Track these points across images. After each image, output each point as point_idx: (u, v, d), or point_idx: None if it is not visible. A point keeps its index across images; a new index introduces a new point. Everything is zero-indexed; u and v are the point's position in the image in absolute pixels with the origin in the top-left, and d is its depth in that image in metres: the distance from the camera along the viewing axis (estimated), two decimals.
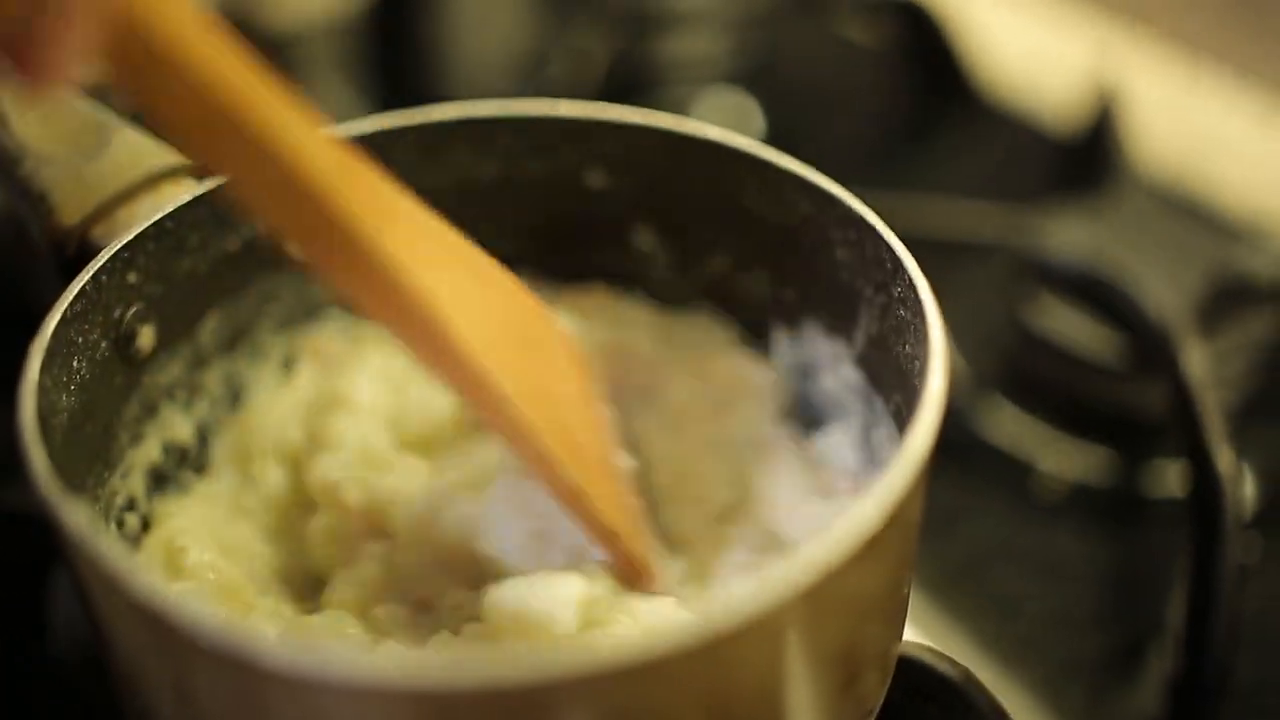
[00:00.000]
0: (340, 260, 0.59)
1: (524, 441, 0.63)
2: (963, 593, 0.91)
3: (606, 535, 0.65)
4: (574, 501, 0.64)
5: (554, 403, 0.65)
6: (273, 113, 0.56)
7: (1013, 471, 0.99)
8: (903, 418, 0.66)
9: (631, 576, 0.66)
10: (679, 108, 1.31)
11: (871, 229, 0.66)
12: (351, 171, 0.59)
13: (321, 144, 0.58)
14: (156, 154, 0.71)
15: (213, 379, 0.76)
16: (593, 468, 0.66)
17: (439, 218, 0.64)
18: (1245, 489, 0.92)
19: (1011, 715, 0.68)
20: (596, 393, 0.71)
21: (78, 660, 0.82)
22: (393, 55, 1.47)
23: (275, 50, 1.34)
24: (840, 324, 0.73)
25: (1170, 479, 0.97)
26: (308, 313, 0.80)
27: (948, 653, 0.69)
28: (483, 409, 0.63)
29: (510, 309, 0.66)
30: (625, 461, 0.71)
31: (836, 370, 0.75)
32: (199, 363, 0.75)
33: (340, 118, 1.33)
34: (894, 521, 0.54)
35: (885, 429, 0.70)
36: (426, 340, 0.60)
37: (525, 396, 0.62)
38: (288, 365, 0.79)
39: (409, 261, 0.59)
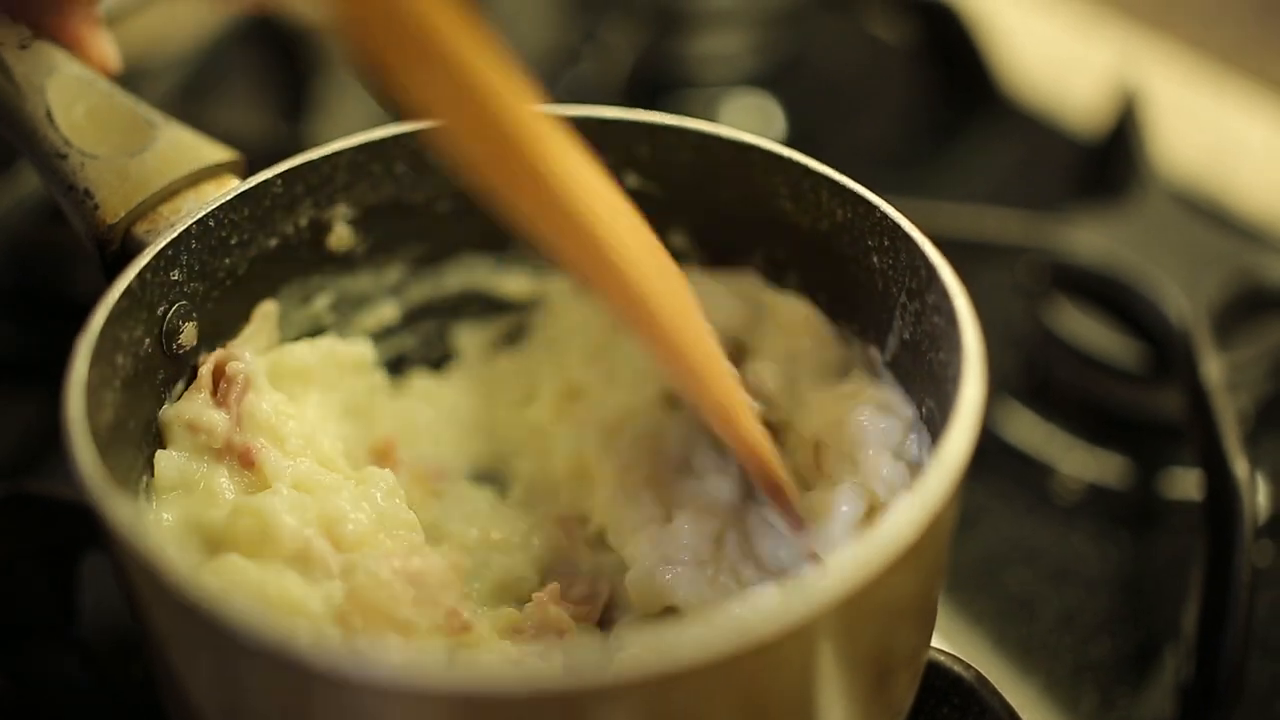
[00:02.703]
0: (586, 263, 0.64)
1: (680, 359, 0.67)
2: (977, 594, 0.91)
3: (753, 454, 0.69)
4: (726, 418, 0.68)
5: (698, 329, 0.68)
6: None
7: (1029, 474, 1.00)
8: (934, 423, 0.67)
9: (778, 496, 0.70)
10: (703, 109, 1.31)
11: (907, 236, 0.67)
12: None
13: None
14: (200, 152, 0.72)
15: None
16: (734, 393, 0.69)
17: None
18: (1259, 495, 0.92)
19: (1024, 717, 0.68)
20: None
21: (106, 644, 0.83)
22: None
23: (303, 45, 1.35)
24: (872, 329, 0.74)
25: (1186, 484, 0.98)
26: (346, 311, 0.81)
27: (961, 653, 0.70)
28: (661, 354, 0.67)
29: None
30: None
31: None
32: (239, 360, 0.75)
33: (364, 113, 1.35)
34: (930, 529, 0.55)
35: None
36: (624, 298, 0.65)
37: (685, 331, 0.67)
38: None
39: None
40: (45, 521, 0.79)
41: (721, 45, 1.39)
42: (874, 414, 0.72)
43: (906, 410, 0.72)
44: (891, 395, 0.73)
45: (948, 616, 0.89)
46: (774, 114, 1.35)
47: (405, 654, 0.59)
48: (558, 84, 1.29)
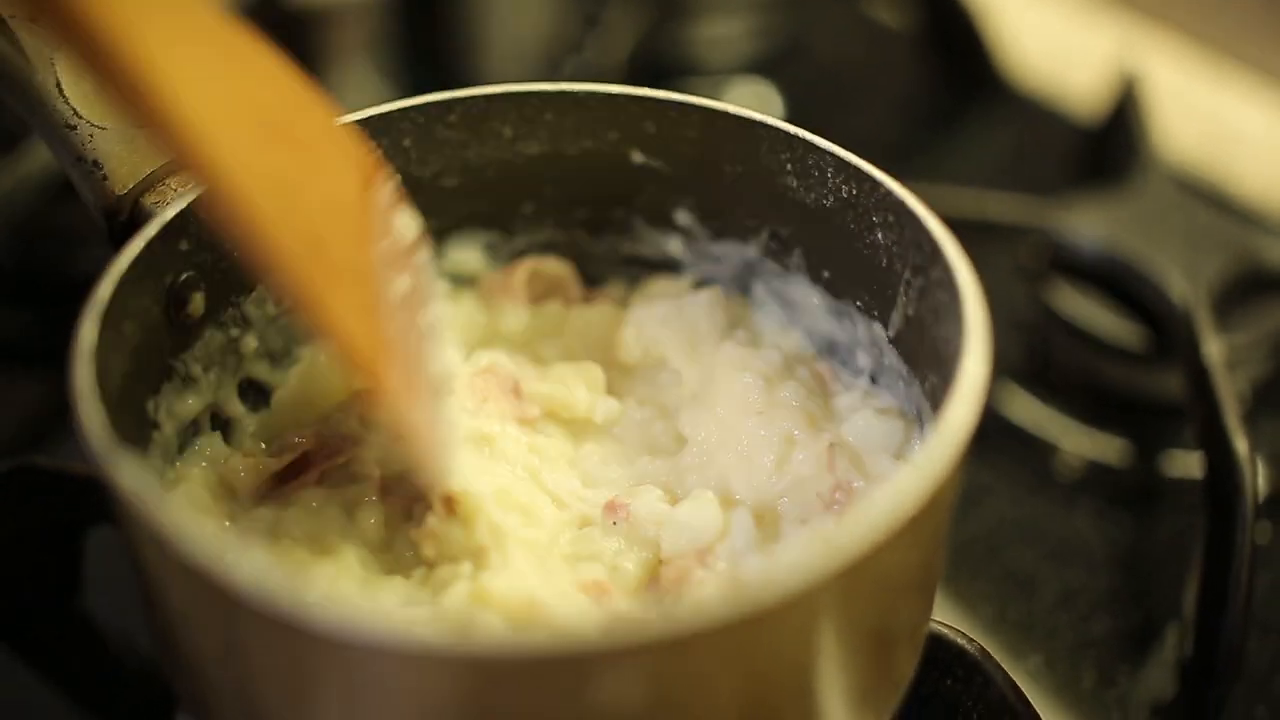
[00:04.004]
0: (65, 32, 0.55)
1: (243, 223, 0.57)
2: (978, 572, 0.92)
3: (333, 332, 0.60)
4: (296, 292, 0.59)
5: (300, 197, 0.61)
6: None
7: (1030, 453, 1.00)
8: (938, 399, 0.67)
9: (362, 373, 0.61)
10: (703, 94, 1.31)
11: (911, 212, 0.67)
12: None
13: None
14: None
15: (257, 346, 0.77)
16: (337, 270, 0.61)
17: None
18: (1259, 475, 0.93)
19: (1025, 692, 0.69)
20: (379, 205, 0.69)
21: (111, 618, 0.83)
22: (421, 35, 1.47)
23: (304, 27, 1.35)
24: (876, 306, 0.74)
25: (1186, 463, 0.98)
26: None
27: (962, 629, 0.70)
28: (198, 180, 0.59)
29: (272, 102, 0.63)
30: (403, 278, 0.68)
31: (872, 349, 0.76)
32: (245, 330, 0.76)
33: (367, 95, 1.35)
34: (931, 501, 0.55)
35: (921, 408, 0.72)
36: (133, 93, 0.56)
37: (256, 180, 0.58)
38: None
39: (130, 28, 0.54)
40: (51, 496, 0.79)
41: (721, 31, 1.40)
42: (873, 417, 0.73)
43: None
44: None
45: (949, 593, 0.89)
46: (773, 100, 1.35)
47: (408, 619, 0.59)
48: (559, 69, 1.29)
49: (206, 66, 0.59)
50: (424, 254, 0.72)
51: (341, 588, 0.65)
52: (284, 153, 0.62)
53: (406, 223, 0.71)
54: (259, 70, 0.64)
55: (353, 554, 0.67)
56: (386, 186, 0.71)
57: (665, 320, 0.79)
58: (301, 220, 0.60)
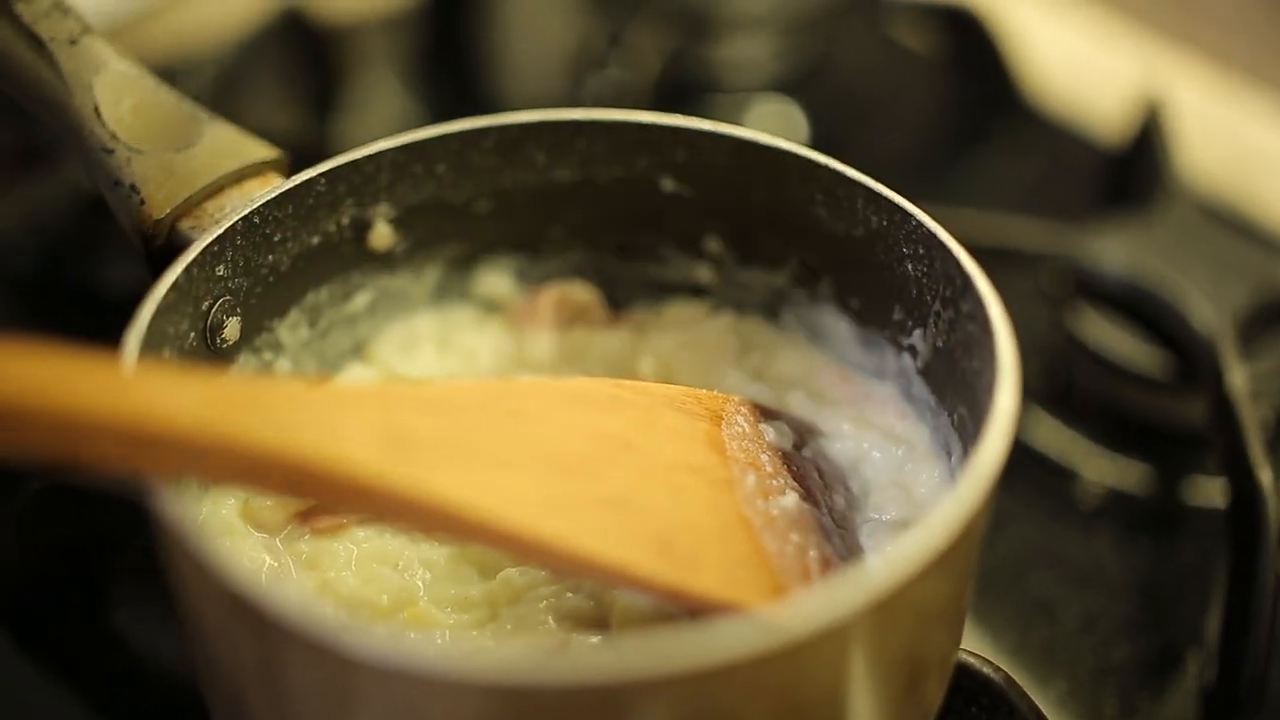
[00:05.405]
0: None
1: (586, 569, 0.61)
2: (1000, 597, 0.91)
3: (716, 609, 0.61)
4: (676, 598, 0.61)
5: (632, 505, 0.62)
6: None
7: (1053, 480, 1.00)
8: (967, 430, 0.67)
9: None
10: (728, 114, 1.32)
11: (942, 244, 0.68)
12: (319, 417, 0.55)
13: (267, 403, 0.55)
14: (244, 149, 0.73)
15: (290, 370, 0.77)
16: (692, 553, 0.62)
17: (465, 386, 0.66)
18: None
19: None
20: (737, 437, 0.70)
21: (139, 633, 0.84)
22: (446, 51, 1.47)
23: (329, 42, 1.36)
24: (905, 336, 0.75)
25: (1209, 491, 0.98)
26: (385, 309, 0.82)
27: (984, 655, 0.70)
28: (544, 565, 0.64)
29: (574, 433, 0.64)
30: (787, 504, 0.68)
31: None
32: (278, 354, 0.77)
33: (392, 111, 1.36)
34: (964, 534, 0.55)
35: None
36: (470, 534, 0.60)
37: (588, 532, 0.59)
38: (362, 359, 0.81)
39: (384, 467, 0.55)
40: (81, 514, 0.80)
41: (747, 51, 1.40)
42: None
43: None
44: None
45: (971, 619, 0.89)
46: (798, 120, 1.36)
47: (446, 647, 0.59)
48: (584, 87, 1.30)
49: (499, 467, 0.59)
50: (815, 446, 0.73)
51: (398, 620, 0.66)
52: (610, 475, 0.63)
53: (779, 430, 0.72)
54: (541, 413, 0.64)
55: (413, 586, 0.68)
56: (741, 414, 0.72)
57: (680, 347, 0.80)
58: (641, 526, 0.61)
